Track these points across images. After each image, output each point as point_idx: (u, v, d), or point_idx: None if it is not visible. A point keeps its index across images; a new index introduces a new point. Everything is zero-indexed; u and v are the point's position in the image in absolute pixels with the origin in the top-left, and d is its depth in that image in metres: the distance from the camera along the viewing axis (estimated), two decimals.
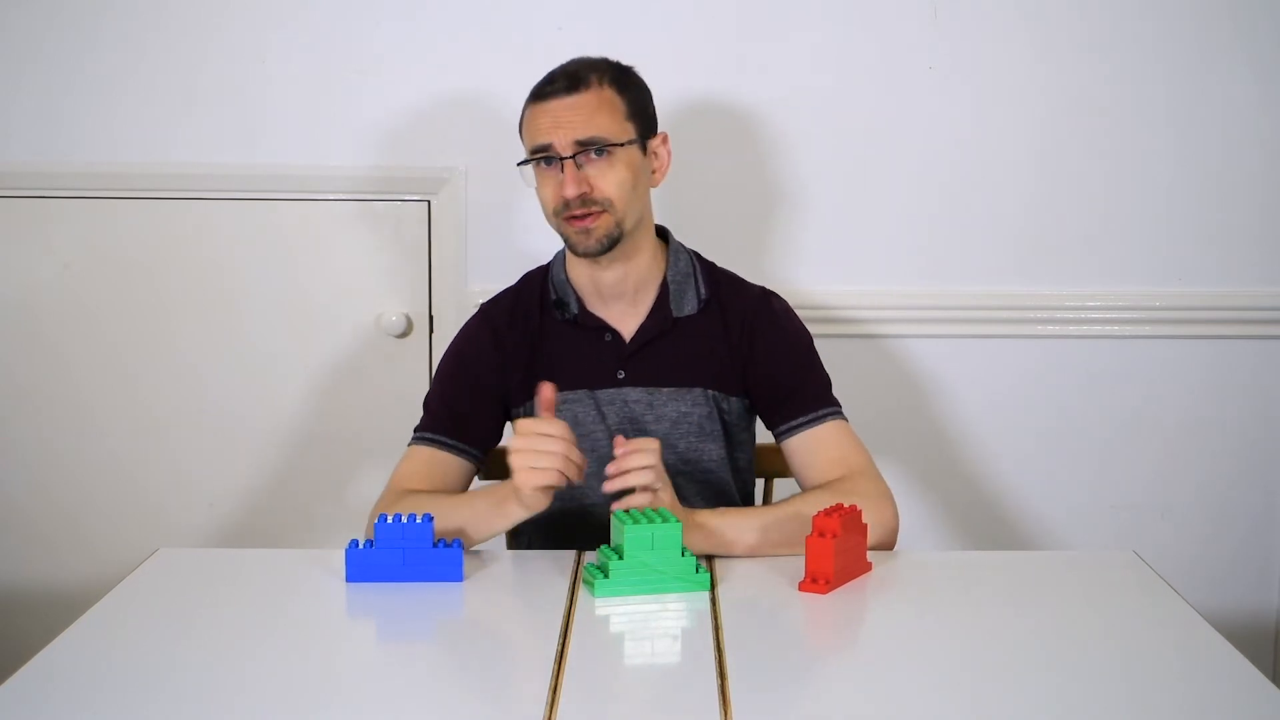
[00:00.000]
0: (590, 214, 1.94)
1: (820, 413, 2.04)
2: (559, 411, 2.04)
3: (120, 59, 2.55)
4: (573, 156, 1.93)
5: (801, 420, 2.03)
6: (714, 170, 2.42)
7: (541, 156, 1.96)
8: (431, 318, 2.62)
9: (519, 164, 2.01)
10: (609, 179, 1.95)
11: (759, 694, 1.46)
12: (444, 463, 2.03)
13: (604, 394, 2.05)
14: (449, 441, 2.03)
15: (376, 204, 2.60)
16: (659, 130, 2.05)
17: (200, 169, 2.57)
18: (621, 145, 1.96)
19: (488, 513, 1.88)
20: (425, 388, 2.61)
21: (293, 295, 2.62)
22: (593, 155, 1.94)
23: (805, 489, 2.01)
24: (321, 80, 2.56)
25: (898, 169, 2.60)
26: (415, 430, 2.07)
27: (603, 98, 1.96)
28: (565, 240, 2.01)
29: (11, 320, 2.63)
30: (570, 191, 1.93)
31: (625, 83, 2.00)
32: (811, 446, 2.02)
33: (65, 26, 2.54)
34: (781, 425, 2.05)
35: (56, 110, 2.57)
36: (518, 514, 1.85)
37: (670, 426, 2.05)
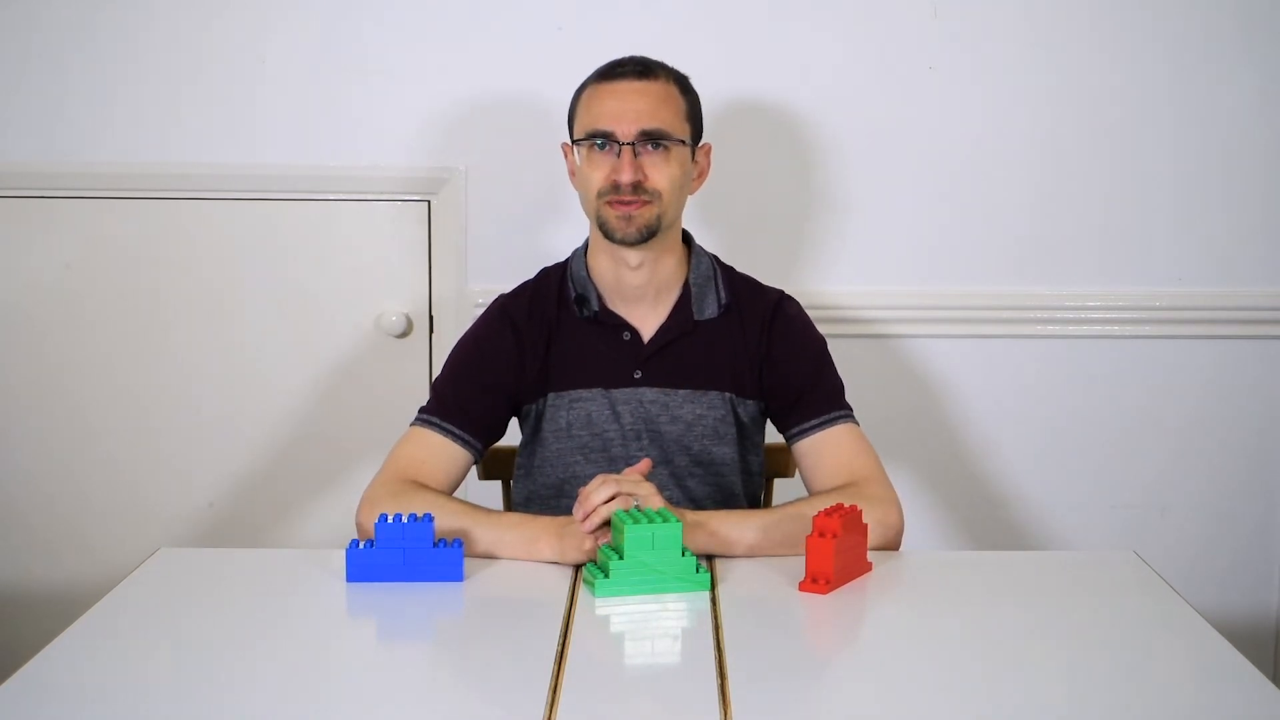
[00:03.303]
0: (638, 201, 1.96)
1: (831, 415, 2.05)
2: (572, 409, 2.04)
3: (120, 59, 2.55)
4: (632, 144, 1.96)
5: (812, 423, 2.05)
6: (712, 171, 2.41)
7: (600, 138, 1.97)
8: (431, 318, 2.62)
9: (575, 141, 2.03)
10: (663, 172, 1.98)
11: (759, 694, 1.46)
12: (446, 450, 2.01)
13: (619, 393, 2.05)
14: (455, 430, 2.02)
15: (376, 204, 2.60)
16: (705, 141, 2.09)
17: (201, 169, 2.58)
18: (680, 142, 1.99)
19: (514, 544, 1.87)
20: (425, 388, 2.63)
21: (292, 295, 2.62)
22: (650, 147, 1.97)
23: (813, 490, 2.02)
24: (322, 80, 2.56)
25: (898, 170, 2.60)
26: (421, 411, 2.05)
27: (669, 92, 2.01)
28: (603, 225, 2.00)
29: (12, 320, 2.63)
30: (626, 177, 1.95)
31: (685, 86, 2.05)
32: (820, 449, 2.04)
33: (66, 26, 2.54)
34: (793, 428, 2.07)
35: (57, 110, 2.57)
36: (547, 558, 1.85)
37: (685, 428, 2.05)
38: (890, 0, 2.54)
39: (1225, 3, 2.55)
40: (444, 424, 2.02)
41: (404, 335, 2.62)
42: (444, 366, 2.12)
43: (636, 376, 2.06)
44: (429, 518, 1.77)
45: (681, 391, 2.06)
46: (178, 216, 2.60)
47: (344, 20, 2.54)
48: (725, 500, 2.10)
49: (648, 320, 2.07)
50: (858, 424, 2.06)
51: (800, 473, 2.08)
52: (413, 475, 1.98)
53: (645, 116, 1.97)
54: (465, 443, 2.02)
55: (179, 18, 2.54)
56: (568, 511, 1.97)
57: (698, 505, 2.06)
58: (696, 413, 2.06)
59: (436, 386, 2.09)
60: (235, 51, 2.55)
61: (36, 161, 2.58)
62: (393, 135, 2.57)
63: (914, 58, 2.56)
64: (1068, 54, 2.57)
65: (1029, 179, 2.60)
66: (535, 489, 2.11)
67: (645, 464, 1.86)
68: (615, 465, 2.04)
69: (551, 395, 2.06)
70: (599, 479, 1.81)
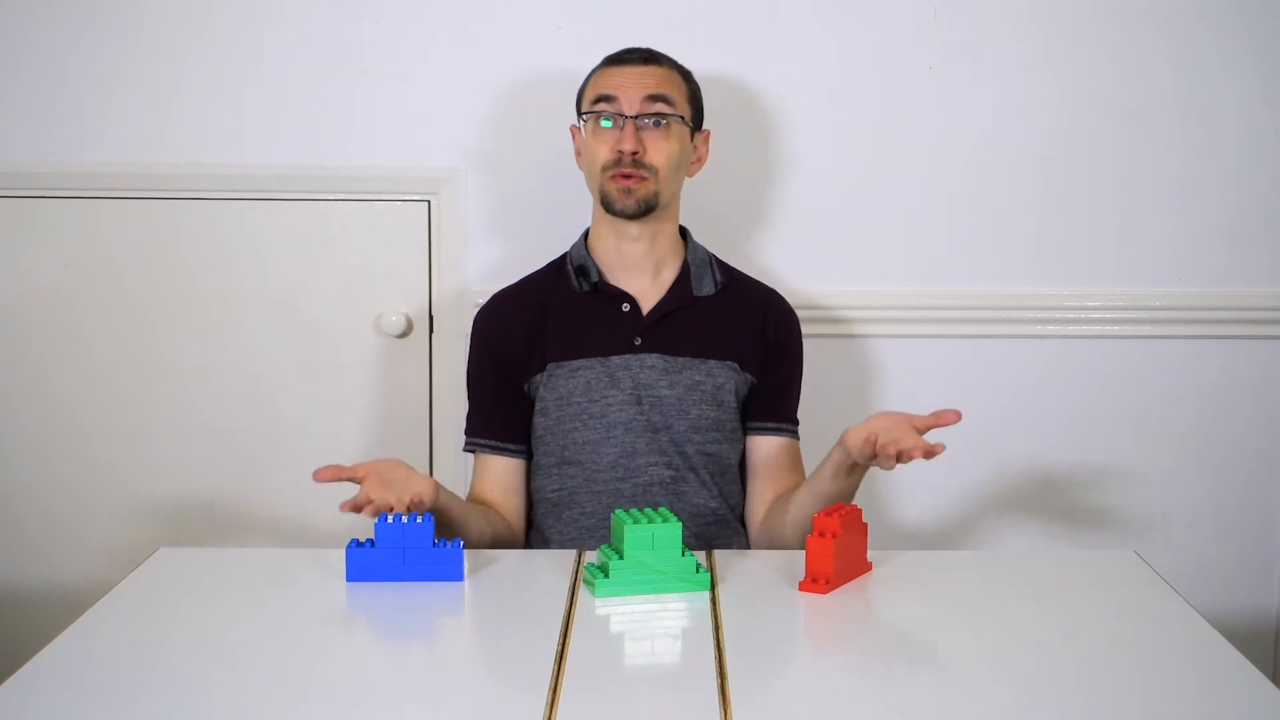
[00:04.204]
0: (636, 175, 2.08)
1: (788, 425, 2.20)
2: (571, 379, 2.13)
3: (119, 59, 2.55)
4: (635, 117, 2.08)
5: (769, 425, 2.18)
6: (712, 170, 2.42)
7: (602, 113, 2.09)
8: (431, 318, 2.62)
9: (580, 115, 2.15)
10: (661, 148, 2.10)
11: (759, 694, 1.46)
12: (501, 467, 2.17)
13: (618, 360, 2.12)
14: (494, 444, 2.16)
15: (376, 204, 2.60)
16: (705, 129, 2.22)
17: (200, 169, 2.57)
18: (679, 118, 2.11)
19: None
20: (426, 388, 2.63)
21: (292, 295, 2.62)
22: (651, 124, 2.09)
23: (750, 481, 2.18)
24: (321, 80, 2.55)
25: (897, 169, 2.60)
26: (465, 433, 2.20)
27: (672, 75, 2.15)
28: (604, 197, 2.11)
29: (10, 320, 2.62)
30: (628, 146, 2.07)
31: (688, 75, 2.20)
32: (774, 451, 2.18)
33: (66, 25, 2.54)
34: (756, 420, 2.18)
35: (56, 110, 2.57)
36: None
37: (685, 392, 2.12)
38: (890, 0, 2.54)
39: (1226, 2, 2.55)
40: (484, 442, 2.17)
41: (404, 335, 2.62)
42: (466, 384, 2.24)
43: (637, 343, 2.13)
44: (429, 517, 1.77)
45: (682, 359, 2.13)
46: (177, 217, 2.60)
47: (343, 20, 2.54)
48: (720, 470, 2.15)
49: (647, 294, 2.16)
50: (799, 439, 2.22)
51: (745, 455, 2.21)
52: (486, 501, 2.15)
53: (650, 86, 2.10)
54: (506, 451, 2.16)
55: (178, 17, 2.54)
56: (572, 481, 2.11)
57: (694, 473, 2.13)
58: (695, 379, 2.12)
59: (468, 402, 2.21)
60: (234, 51, 2.55)
61: (35, 161, 2.58)
62: (393, 135, 2.57)
63: (914, 58, 2.56)
64: (1068, 54, 2.56)
65: (1029, 179, 2.60)
66: (538, 459, 2.17)
67: (954, 414, 1.86)
68: (614, 432, 2.11)
69: (551, 365, 2.13)
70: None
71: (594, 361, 2.12)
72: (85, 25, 2.54)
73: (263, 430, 2.65)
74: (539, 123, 2.52)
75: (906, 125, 2.58)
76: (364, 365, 2.63)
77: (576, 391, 2.11)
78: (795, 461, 2.19)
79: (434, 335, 2.62)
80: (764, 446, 2.18)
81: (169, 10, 2.54)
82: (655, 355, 2.12)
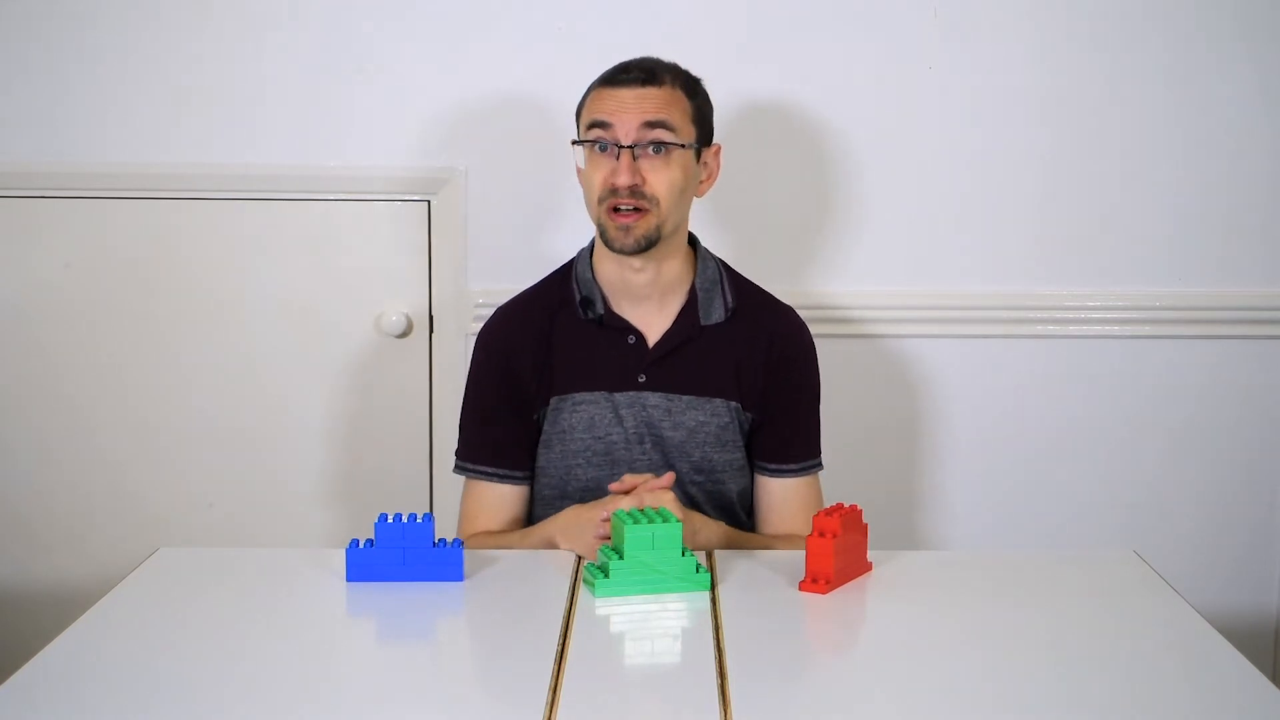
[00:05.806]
0: (635, 210, 1.95)
1: (808, 464, 2.11)
2: (575, 412, 2.06)
3: (119, 59, 2.55)
4: (631, 146, 1.94)
5: (791, 468, 2.10)
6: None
7: (598, 140, 1.96)
8: (431, 318, 2.62)
9: (574, 142, 2.03)
10: (662, 177, 1.95)
11: (759, 694, 1.46)
12: (494, 493, 2.08)
13: (622, 397, 2.05)
14: (495, 471, 2.07)
15: (376, 204, 2.60)
16: (714, 142, 2.08)
17: (200, 169, 2.57)
18: (681, 146, 1.97)
19: (537, 546, 1.97)
20: (426, 388, 2.63)
21: (293, 296, 2.62)
22: (650, 151, 1.95)
23: (760, 517, 2.12)
24: (321, 80, 2.55)
25: (898, 170, 2.60)
26: (456, 456, 2.10)
27: (674, 96, 1.99)
28: (602, 232, 1.99)
29: (11, 320, 2.62)
30: (623, 180, 1.94)
31: (694, 89, 2.03)
32: (788, 495, 2.10)
33: (66, 26, 2.54)
34: (770, 463, 2.11)
35: (57, 110, 2.57)
36: (565, 549, 1.93)
37: (687, 435, 2.06)
38: (890, 0, 2.54)
39: (1224, 3, 2.55)
40: (481, 468, 2.08)
41: (404, 335, 2.62)
42: (462, 403, 2.13)
43: (641, 381, 2.05)
44: (429, 517, 1.77)
45: (685, 398, 2.06)
46: (177, 217, 2.60)
47: (343, 20, 2.54)
48: (723, 507, 2.10)
49: (653, 324, 2.07)
50: (822, 467, 2.13)
51: (755, 498, 2.13)
52: (481, 528, 2.07)
53: (648, 112, 1.95)
54: (511, 479, 2.08)
55: (178, 17, 2.54)
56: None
57: (698, 509, 2.07)
58: (699, 419, 2.06)
59: (462, 425, 2.11)
60: (234, 51, 2.55)
61: (36, 161, 2.58)
62: (393, 135, 2.57)
63: (914, 58, 2.56)
64: (1068, 53, 2.56)
65: (1029, 179, 2.60)
66: (539, 490, 2.11)
67: (669, 477, 1.90)
68: (618, 469, 2.05)
69: (555, 399, 2.06)
70: (629, 488, 1.89)
71: (598, 396, 2.05)
72: (86, 25, 2.54)
73: (263, 430, 2.65)
74: (539, 122, 2.52)
75: (906, 125, 2.58)
76: (364, 365, 2.63)
77: (579, 427, 2.05)
78: (792, 503, 2.09)
79: (434, 335, 2.62)
80: (760, 486, 2.11)
81: (169, 10, 2.54)
82: (659, 394, 2.04)
